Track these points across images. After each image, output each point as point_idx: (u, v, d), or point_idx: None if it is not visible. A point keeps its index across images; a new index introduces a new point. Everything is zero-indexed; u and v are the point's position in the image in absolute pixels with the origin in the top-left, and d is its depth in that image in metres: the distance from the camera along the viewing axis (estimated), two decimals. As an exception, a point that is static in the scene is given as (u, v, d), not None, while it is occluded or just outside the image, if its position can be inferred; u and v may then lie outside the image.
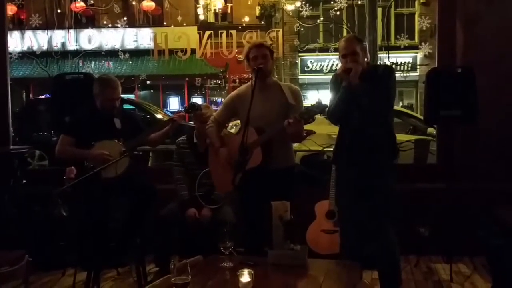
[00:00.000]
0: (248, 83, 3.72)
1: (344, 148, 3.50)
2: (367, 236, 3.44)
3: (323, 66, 18.02)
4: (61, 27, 7.27)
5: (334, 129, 3.71)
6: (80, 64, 7.65)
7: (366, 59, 3.44)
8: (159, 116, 10.60)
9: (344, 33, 7.21)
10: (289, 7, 7.02)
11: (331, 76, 3.64)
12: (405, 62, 16.50)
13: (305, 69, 18.36)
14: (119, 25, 7.28)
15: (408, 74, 15.38)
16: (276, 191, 3.25)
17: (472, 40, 4.78)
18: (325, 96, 3.67)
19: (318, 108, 3.21)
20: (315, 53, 13.63)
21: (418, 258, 4.59)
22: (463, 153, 4.76)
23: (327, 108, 3.34)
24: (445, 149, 4.95)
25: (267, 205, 3.04)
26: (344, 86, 3.32)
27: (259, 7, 15.98)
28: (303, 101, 3.71)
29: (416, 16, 16.78)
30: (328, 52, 6.95)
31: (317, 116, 3.34)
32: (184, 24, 8.82)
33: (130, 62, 15.89)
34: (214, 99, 19.15)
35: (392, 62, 6.24)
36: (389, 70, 3.53)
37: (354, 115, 3.37)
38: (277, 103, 3.52)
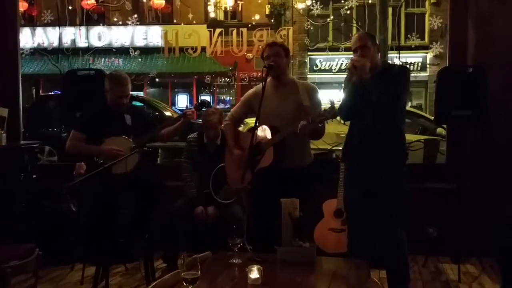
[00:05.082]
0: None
1: (354, 147, 3.50)
2: (376, 235, 3.44)
3: (332, 65, 17.93)
4: (72, 23, 7.31)
5: (343, 128, 3.72)
6: (90, 61, 7.67)
7: (379, 56, 3.45)
8: (167, 113, 10.63)
9: (354, 32, 7.18)
10: (300, 6, 7.00)
11: (340, 76, 3.65)
12: (415, 62, 16.42)
13: (314, 68, 18.29)
14: (129, 23, 7.29)
15: (418, 74, 15.29)
16: (288, 191, 3.24)
17: (484, 40, 4.76)
18: (333, 96, 3.67)
19: (330, 113, 3.21)
20: (325, 52, 13.59)
21: (426, 258, 4.58)
22: (473, 153, 4.74)
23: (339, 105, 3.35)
24: (454, 149, 4.93)
25: (276, 204, 3.03)
26: (353, 81, 3.32)
27: (269, 6, 15.97)
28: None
29: (427, 16, 16.68)
30: (338, 51, 6.92)
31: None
32: (194, 22, 8.81)
33: (140, 59, 15.88)
34: (223, 97, 19.16)
35: (403, 62, 6.22)
36: (404, 70, 3.54)
37: (364, 114, 3.36)
38: (293, 102, 3.50)
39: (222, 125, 3.85)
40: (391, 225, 3.39)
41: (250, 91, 3.76)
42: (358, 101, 3.35)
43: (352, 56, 3.46)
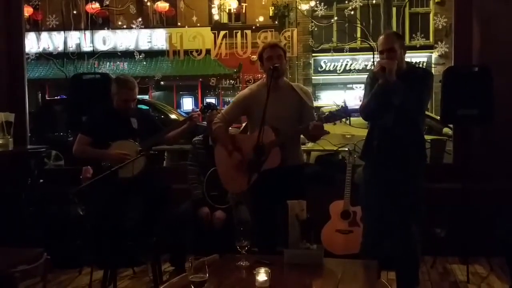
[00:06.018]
0: (259, 82, 3.69)
1: (374, 148, 3.49)
2: (390, 235, 3.43)
3: (336, 66, 17.92)
4: (77, 28, 7.34)
5: (349, 129, 3.71)
6: (95, 65, 7.70)
7: (405, 57, 3.43)
8: (173, 116, 10.64)
9: (359, 33, 7.16)
10: (304, 7, 6.97)
11: (345, 77, 3.64)
12: (420, 62, 16.39)
13: (319, 69, 18.29)
14: (134, 26, 7.29)
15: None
16: (287, 190, 3.25)
17: (489, 39, 4.74)
18: (339, 96, 3.65)
19: (344, 113, 3.20)
20: (330, 53, 13.60)
21: (434, 259, 4.56)
22: (480, 152, 4.72)
23: (360, 104, 3.35)
24: (461, 149, 4.92)
25: (279, 204, 3.02)
26: (379, 83, 3.30)
27: (273, 8, 15.96)
28: (314, 102, 3.70)
29: (431, 15, 16.65)
30: (343, 52, 6.89)
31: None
32: (198, 24, 8.81)
33: (145, 62, 15.96)
34: (228, 99, 19.17)
35: (407, 62, 6.21)
36: (428, 74, 3.52)
37: (388, 115, 3.35)
38: (290, 103, 3.51)
39: (213, 127, 3.66)
40: (406, 225, 3.38)
41: (244, 92, 3.71)
42: (382, 103, 3.33)
43: (374, 56, 3.45)
